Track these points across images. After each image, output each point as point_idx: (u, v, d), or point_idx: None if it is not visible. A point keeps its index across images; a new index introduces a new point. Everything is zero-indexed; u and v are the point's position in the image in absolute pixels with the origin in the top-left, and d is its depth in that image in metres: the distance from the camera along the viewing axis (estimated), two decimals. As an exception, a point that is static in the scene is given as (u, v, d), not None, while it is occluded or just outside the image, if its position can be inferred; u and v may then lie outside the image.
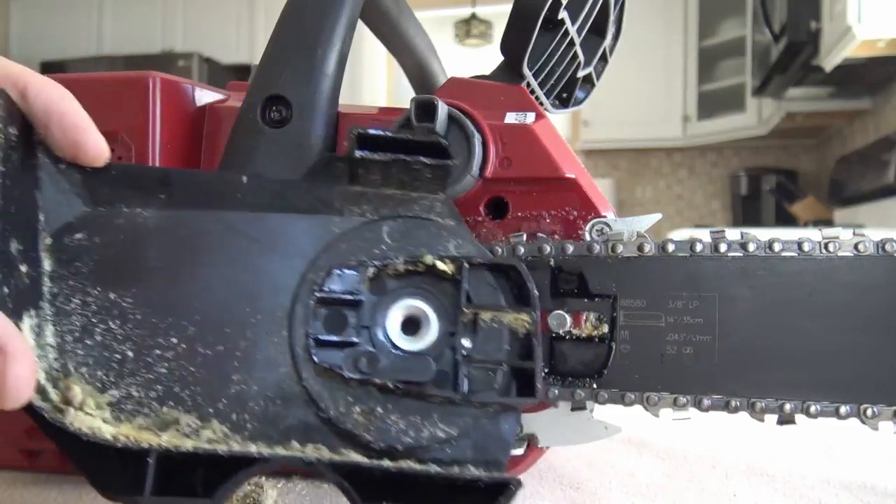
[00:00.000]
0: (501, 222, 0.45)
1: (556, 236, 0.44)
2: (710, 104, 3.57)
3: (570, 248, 0.42)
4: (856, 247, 0.40)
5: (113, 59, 3.80)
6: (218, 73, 3.74)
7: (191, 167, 0.48)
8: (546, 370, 0.43)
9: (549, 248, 0.42)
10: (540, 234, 0.43)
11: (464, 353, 0.35)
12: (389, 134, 0.36)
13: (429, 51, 0.63)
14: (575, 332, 0.43)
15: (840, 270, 0.40)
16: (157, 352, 0.34)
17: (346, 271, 0.35)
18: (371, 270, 0.35)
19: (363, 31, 0.55)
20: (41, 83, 0.33)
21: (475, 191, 0.45)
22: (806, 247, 0.40)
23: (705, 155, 3.86)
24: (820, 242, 0.40)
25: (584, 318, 0.43)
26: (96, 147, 0.34)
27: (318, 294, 0.34)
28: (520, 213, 0.44)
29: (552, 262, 0.43)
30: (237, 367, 0.34)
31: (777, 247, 0.40)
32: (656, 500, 0.45)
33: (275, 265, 0.35)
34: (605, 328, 0.42)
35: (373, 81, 3.90)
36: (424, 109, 0.42)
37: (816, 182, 3.55)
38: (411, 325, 0.36)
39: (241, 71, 3.76)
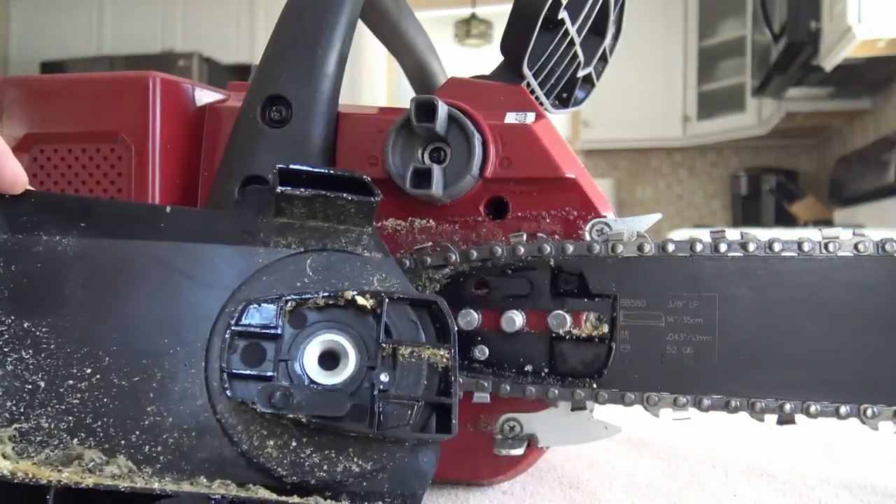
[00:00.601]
0: (501, 222, 0.45)
1: (556, 236, 0.44)
2: (710, 104, 3.57)
3: (570, 248, 0.42)
4: (856, 247, 0.40)
5: (113, 59, 3.80)
6: (218, 73, 3.73)
7: (191, 167, 0.48)
8: (547, 370, 0.43)
9: (549, 248, 0.42)
10: (540, 234, 0.43)
11: (381, 387, 0.34)
12: (311, 169, 0.36)
13: (429, 51, 0.63)
14: (575, 332, 0.43)
15: (840, 270, 0.40)
16: (70, 382, 0.33)
17: (265, 304, 0.35)
18: (290, 303, 0.35)
19: (363, 31, 0.55)
20: None
21: (475, 191, 0.45)
22: (806, 247, 0.40)
23: (705, 155, 3.86)
24: (820, 242, 0.40)
25: (584, 318, 0.43)
26: (13, 174, 0.34)
27: (235, 327, 0.34)
28: (520, 213, 0.44)
29: (552, 262, 0.43)
30: (152, 399, 0.33)
31: (777, 247, 0.40)
32: (656, 500, 0.45)
33: (195, 296, 0.35)
34: (605, 328, 0.42)
35: (373, 81, 3.90)
36: (424, 109, 0.42)
37: (816, 182, 3.55)
38: (330, 359, 0.35)
39: (241, 71, 3.75)
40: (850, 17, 2.04)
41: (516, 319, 0.42)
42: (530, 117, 0.44)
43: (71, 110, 0.47)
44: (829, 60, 2.27)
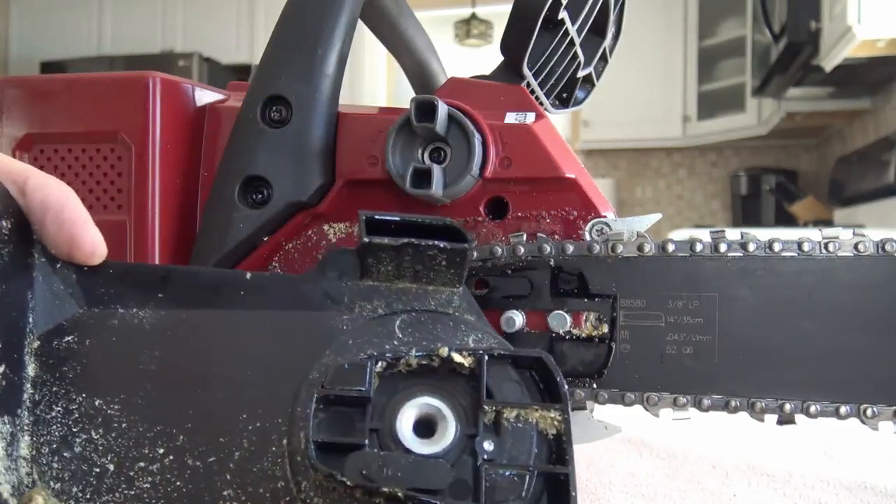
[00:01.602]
0: (501, 222, 0.45)
1: (556, 236, 0.44)
2: (710, 104, 3.57)
3: (570, 248, 0.42)
4: (856, 247, 0.40)
5: (113, 59, 3.80)
6: (218, 73, 3.74)
7: (191, 167, 0.48)
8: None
9: (549, 248, 0.42)
10: (540, 234, 0.43)
11: (485, 457, 0.30)
12: (399, 219, 0.33)
13: (429, 51, 0.63)
14: (575, 332, 0.43)
15: (840, 270, 0.40)
16: (142, 464, 0.30)
17: (353, 368, 0.31)
18: (381, 365, 0.31)
19: (363, 31, 0.55)
20: (43, 179, 0.32)
21: (475, 191, 0.45)
22: (806, 247, 0.40)
23: (705, 155, 3.86)
24: (820, 242, 0.40)
25: (584, 318, 0.43)
26: (92, 243, 0.33)
27: (320, 393, 0.30)
28: (520, 213, 0.44)
29: (552, 262, 0.43)
30: (229, 481, 0.30)
31: (777, 247, 0.40)
32: (656, 500, 0.45)
33: (277, 367, 0.32)
34: (605, 328, 0.42)
35: (373, 81, 3.90)
36: (424, 109, 0.42)
37: (816, 182, 3.55)
38: (425, 427, 0.32)
39: (241, 71, 3.76)
40: (850, 17, 2.04)
41: (516, 319, 0.42)
42: (530, 117, 0.44)
43: (71, 110, 0.47)
44: (829, 60, 2.27)
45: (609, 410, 0.48)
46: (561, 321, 0.42)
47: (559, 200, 0.44)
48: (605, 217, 0.43)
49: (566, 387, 0.32)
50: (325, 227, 0.47)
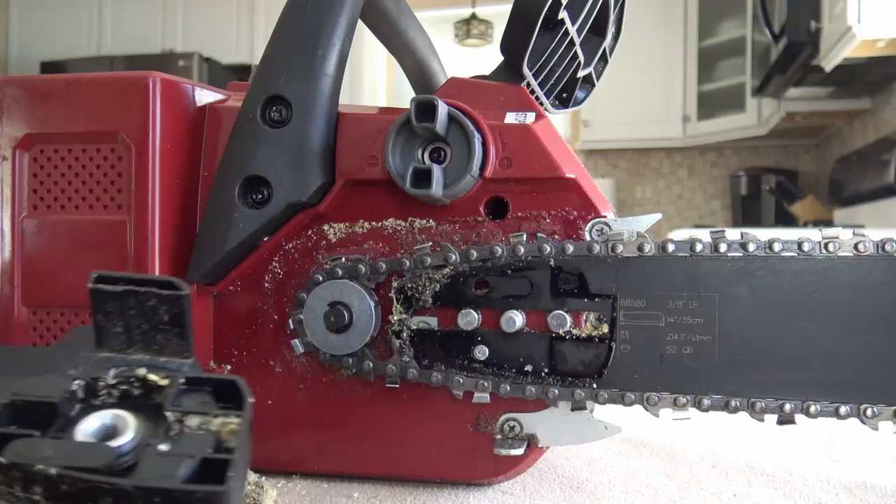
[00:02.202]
0: (501, 222, 0.45)
1: (556, 236, 0.44)
2: (710, 104, 3.57)
3: (570, 248, 0.42)
4: (856, 247, 0.40)
5: (113, 59, 3.80)
6: (218, 73, 3.74)
7: (191, 167, 0.48)
8: (547, 370, 0.43)
9: (549, 248, 0.42)
10: (540, 234, 0.43)
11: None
12: (126, 276, 0.35)
13: (429, 51, 0.63)
14: (575, 332, 0.43)
15: (840, 270, 0.40)
16: None
17: (49, 380, 0.32)
18: (78, 384, 0.32)
19: (363, 31, 0.55)
20: None
21: (475, 191, 0.45)
22: (806, 247, 0.40)
23: (705, 155, 3.86)
24: (820, 242, 0.40)
25: (584, 318, 0.43)
26: None
27: (8, 399, 0.31)
28: (520, 213, 0.44)
29: (552, 262, 0.43)
30: None
31: (777, 247, 0.40)
32: (656, 500, 0.45)
33: None
34: (605, 328, 0.42)
35: (373, 81, 3.90)
36: (424, 109, 0.42)
37: (816, 182, 3.55)
38: (109, 437, 0.32)
39: (241, 71, 3.76)
40: (850, 17, 2.04)
41: (516, 319, 0.43)
42: (530, 117, 0.44)
43: (71, 110, 0.47)
44: (829, 60, 2.27)
45: (609, 410, 0.49)
46: (561, 321, 0.42)
47: (559, 200, 0.44)
48: (605, 217, 0.43)
49: (252, 400, 0.33)
50: (325, 227, 0.47)
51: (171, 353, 0.36)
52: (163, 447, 0.31)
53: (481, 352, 0.44)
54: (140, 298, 0.34)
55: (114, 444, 0.31)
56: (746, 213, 3.54)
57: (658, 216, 0.45)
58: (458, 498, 0.45)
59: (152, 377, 0.34)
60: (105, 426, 0.32)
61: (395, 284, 0.45)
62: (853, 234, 0.40)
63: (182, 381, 0.34)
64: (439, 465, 0.46)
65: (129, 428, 0.32)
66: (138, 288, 0.34)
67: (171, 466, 0.30)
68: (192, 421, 0.33)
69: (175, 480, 0.30)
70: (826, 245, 0.40)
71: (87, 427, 0.32)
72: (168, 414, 0.32)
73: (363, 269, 0.45)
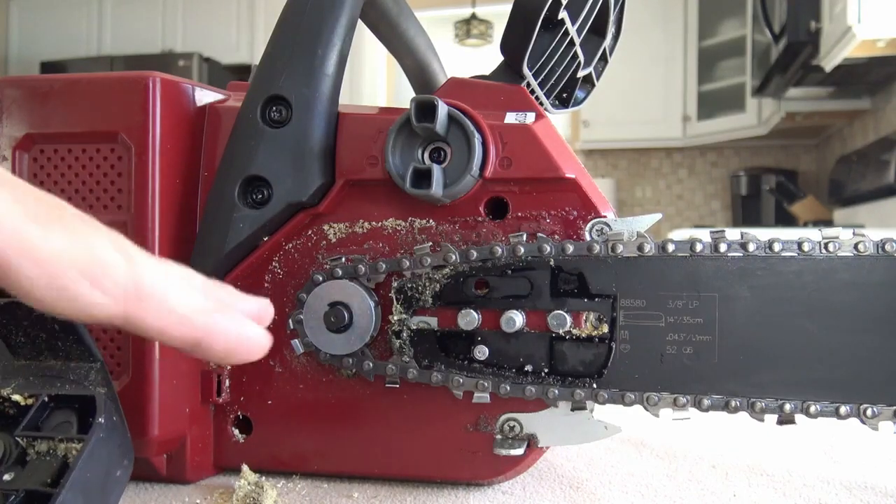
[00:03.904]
0: (501, 222, 0.45)
1: (556, 236, 0.44)
2: (710, 104, 3.57)
3: (570, 248, 0.42)
4: (856, 247, 0.40)
5: (113, 59, 3.80)
6: (218, 73, 3.74)
7: (191, 167, 0.48)
8: (547, 370, 0.43)
9: (549, 248, 0.42)
10: (540, 234, 0.43)
11: (2, 486, 0.32)
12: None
13: (429, 51, 0.63)
14: (575, 332, 0.43)
15: (840, 270, 0.40)
16: None
17: None
18: None
19: (363, 31, 0.55)
20: (212, 338, 0.30)
21: (475, 191, 0.45)
22: (806, 247, 0.40)
23: (705, 155, 3.86)
24: (820, 242, 0.40)
25: (584, 318, 0.43)
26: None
27: None
28: (520, 213, 0.44)
29: (552, 262, 0.43)
30: None
31: (777, 247, 0.40)
32: (656, 500, 0.45)
33: None
34: (605, 328, 0.42)
35: (373, 81, 3.90)
36: (424, 109, 0.42)
37: (816, 182, 3.55)
38: None
39: (241, 71, 3.76)
40: (850, 17, 2.04)
41: (516, 319, 0.42)
42: (530, 117, 0.44)
43: (71, 110, 0.47)
44: (829, 60, 2.27)
45: (609, 410, 0.49)
46: (561, 321, 0.42)
47: (559, 200, 0.44)
48: (605, 217, 0.43)
49: (103, 421, 0.34)
50: (325, 227, 0.47)
51: (79, 359, 0.37)
52: (7, 476, 0.32)
53: (481, 352, 0.44)
54: (26, 309, 0.34)
55: None
56: (746, 213, 3.54)
57: (658, 216, 0.45)
58: (458, 498, 0.45)
59: (16, 397, 0.34)
60: None
61: (395, 284, 0.45)
62: (853, 234, 0.40)
63: (46, 399, 0.34)
64: (439, 465, 0.46)
65: None
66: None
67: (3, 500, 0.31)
68: (42, 446, 0.33)
69: None
70: (826, 245, 0.40)
71: None
72: (18, 440, 0.33)
73: (363, 269, 0.45)
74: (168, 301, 0.29)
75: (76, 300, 0.26)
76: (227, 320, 0.31)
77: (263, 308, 0.35)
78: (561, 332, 0.43)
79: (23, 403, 0.35)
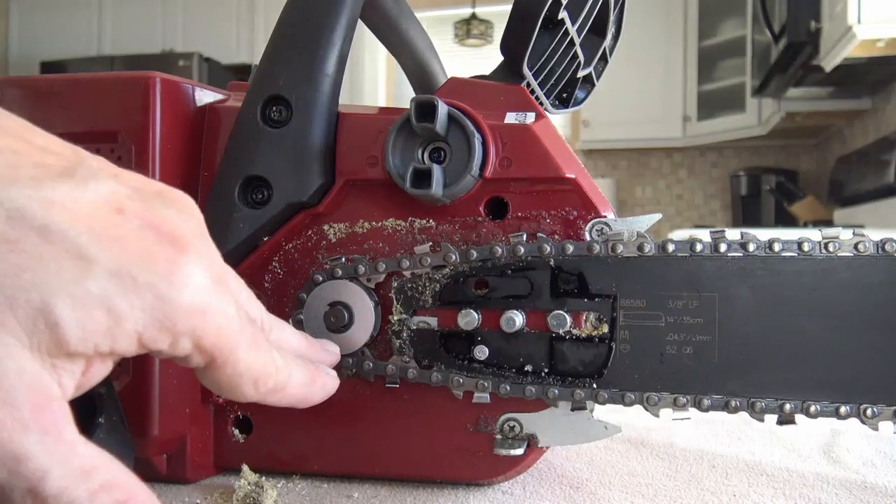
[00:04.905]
0: (501, 222, 0.45)
1: (556, 236, 0.44)
2: (710, 104, 3.57)
3: (570, 248, 0.42)
4: (856, 247, 0.40)
5: (113, 59, 3.81)
6: (218, 73, 3.74)
7: (191, 167, 0.48)
8: (547, 370, 0.43)
9: (549, 248, 0.42)
10: (540, 234, 0.43)
11: None
12: None
13: (429, 51, 0.63)
14: (575, 332, 0.43)
15: (840, 270, 0.40)
16: None
17: None
18: None
19: (363, 31, 0.55)
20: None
21: (475, 191, 0.45)
22: (806, 247, 0.40)
23: (705, 155, 3.86)
24: (820, 242, 0.40)
25: (584, 318, 0.43)
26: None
27: None
28: (520, 213, 0.44)
29: (552, 262, 0.43)
30: None
31: (777, 247, 0.40)
32: (656, 500, 0.45)
33: None
34: (605, 328, 0.42)
35: (373, 81, 3.90)
36: (424, 109, 0.42)
37: (816, 182, 3.56)
38: None
39: (241, 71, 3.76)
40: (850, 17, 2.04)
41: (516, 319, 0.43)
42: (530, 117, 0.44)
43: (71, 110, 0.47)
44: (829, 60, 2.27)
45: (609, 410, 0.49)
46: (561, 321, 0.42)
47: (559, 200, 0.44)
48: (605, 217, 0.43)
49: (101, 421, 0.34)
50: (325, 227, 0.47)
51: None
52: None
53: (481, 352, 0.44)
54: None
55: None
56: (746, 213, 3.54)
57: (658, 216, 0.45)
58: (458, 498, 0.45)
59: None
60: None
61: (395, 284, 0.45)
62: (853, 234, 0.40)
63: None
64: (439, 465, 0.46)
65: None
66: None
67: None
68: None
69: None
70: (826, 245, 0.40)
71: None
72: None
73: (363, 269, 0.45)
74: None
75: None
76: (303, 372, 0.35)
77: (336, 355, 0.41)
78: (561, 332, 0.43)
79: None
